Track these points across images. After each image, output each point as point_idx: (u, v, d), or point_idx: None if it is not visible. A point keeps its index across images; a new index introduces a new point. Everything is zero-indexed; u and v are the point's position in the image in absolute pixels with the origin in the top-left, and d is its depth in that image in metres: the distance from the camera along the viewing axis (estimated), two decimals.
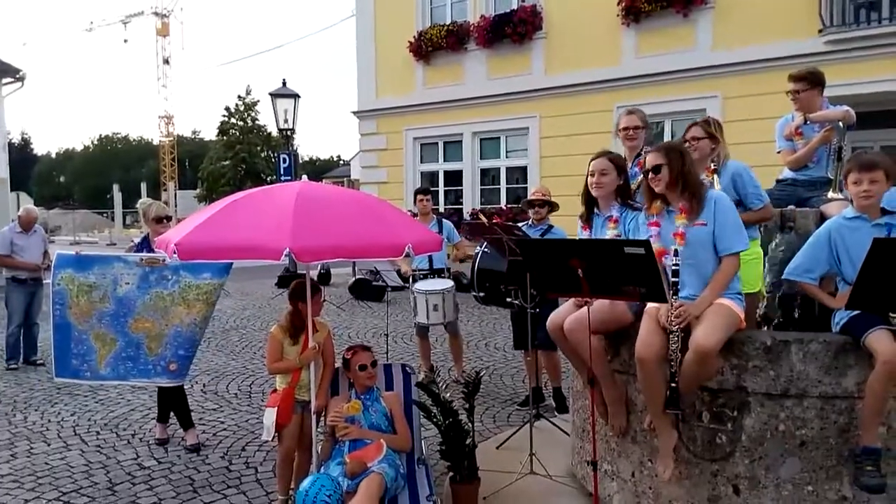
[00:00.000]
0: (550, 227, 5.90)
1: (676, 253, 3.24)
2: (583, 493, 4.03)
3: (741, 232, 3.29)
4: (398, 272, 7.84)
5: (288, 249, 3.16)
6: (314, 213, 3.47)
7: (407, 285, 7.19)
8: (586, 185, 3.89)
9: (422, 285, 6.57)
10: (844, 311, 3.11)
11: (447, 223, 7.14)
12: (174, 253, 3.32)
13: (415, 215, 6.95)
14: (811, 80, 4.70)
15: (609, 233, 3.77)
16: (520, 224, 5.83)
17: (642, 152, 4.28)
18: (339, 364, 4.25)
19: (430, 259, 6.75)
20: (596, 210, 3.93)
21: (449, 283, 6.58)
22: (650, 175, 3.36)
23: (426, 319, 6.53)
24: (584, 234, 3.93)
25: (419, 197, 7.08)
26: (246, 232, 3.41)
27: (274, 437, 4.01)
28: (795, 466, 3.11)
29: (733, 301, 3.22)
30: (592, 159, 3.88)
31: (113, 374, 4.78)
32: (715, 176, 3.92)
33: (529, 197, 6.06)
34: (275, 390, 4.14)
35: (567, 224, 5.97)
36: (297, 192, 3.61)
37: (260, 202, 3.70)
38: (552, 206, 5.92)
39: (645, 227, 3.50)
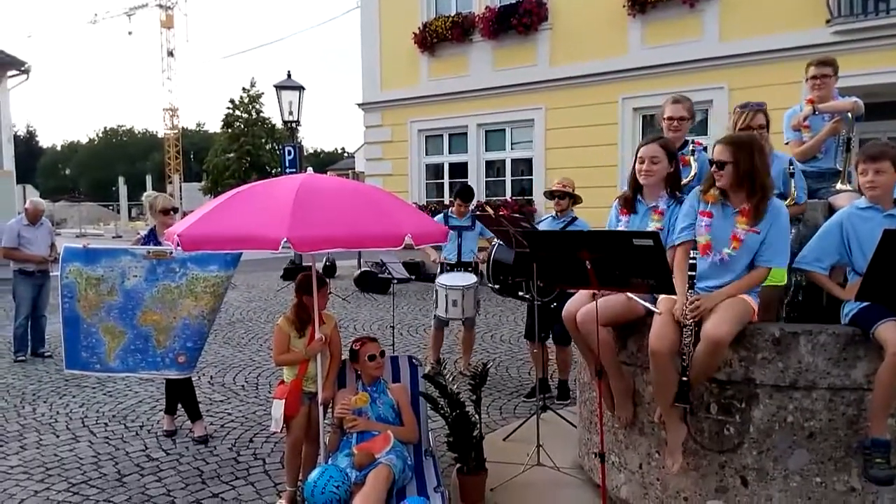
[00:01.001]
0: (574, 219, 5.82)
1: (702, 251, 3.22)
2: (590, 484, 4.03)
3: (787, 248, 3.24)
4: (409, 265, 7.79)
5: (285, 239, 3.18)
6: (314, 204, 3.47)
7: (413, 277, 7.18)
8: (633, 170, 3.69)
9: (445, 279, 6.57)
10: (854, 302, 3.09)
11: None
12: (177, 245, 3.37)
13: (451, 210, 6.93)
14: (835, 68, 4.70)
15: (652, 224, 3.58)
16: (536, 217, 5.78)
17: (689, 145, 4.12)
18: (345, 356, 4.26)
19: (459, 251, 6.74)
20: (640, 197, 3.71)
21: (472, 280, 6.55)
22: (714, 168, 3.24)
23: (445, 314, 6.54)
24: (623, 220, 3.74)
25: (458, 201, 6.91)
26: (246, 223, 3.44)
27: (282, 428, 4.02)
28: (804, 458, 3.10)
29: (749, 294, 3.21)
30: (643, 144, 3.66)
31: (122, 366, 4.80)
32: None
33: (551, 188, 5.98)
34: (282, 382, 4.15)
35: (581, 215, 5.96)
36: (299, 184, 3.62)
37: (262, 194, 3.73)
38: (575, 198, 5.86)
39: (682, 214, 3.41)
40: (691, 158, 4.02)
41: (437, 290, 6.59)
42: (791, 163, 3.99)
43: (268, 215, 3.42)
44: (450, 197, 15.32)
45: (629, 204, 3.73)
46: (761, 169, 3.20)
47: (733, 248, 3.20)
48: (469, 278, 6.58)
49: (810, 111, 4.72)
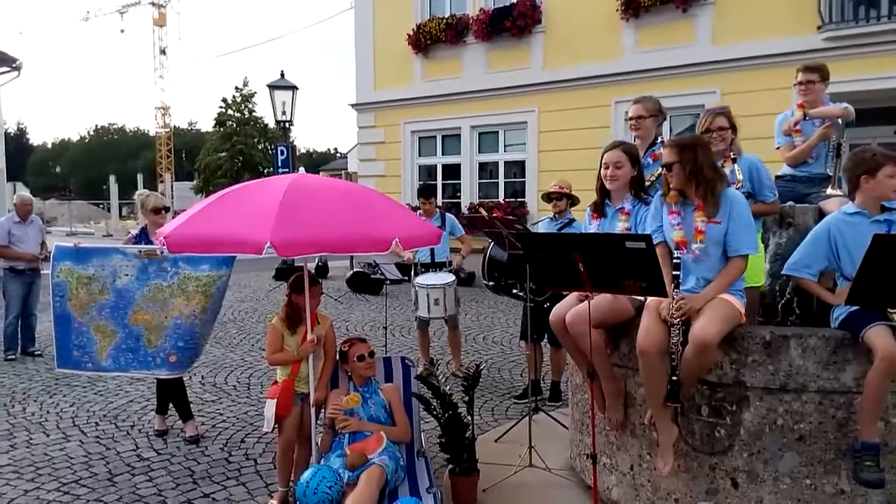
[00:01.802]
0: (571, 220, 5.85)
1: (679, 247, 3.27)
2: (581, 486, 4.05)
3: (752, 235, 3.30)
4: (396, 266, 7.80)
5: (269, 244, 3.14)
6: (301, 206, 3.43)
7: (406, 279, 7.19)
8: (599, 176, 3.84)
9: (423, 279, 6.58)
10: (843, 306, 3.12)
11: (450, 217, 7.13)
12: (164, 246, 3.39)
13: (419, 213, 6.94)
14: (824, 74, 4.73)
15: (619, 225, 3.74)
16: (529, 219, 5.82)
17: (658, 143, 4.24)
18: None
19: (433, 252, 6.75)
20: (608, 201, 3.88)
21: (450, 278, 6.58)
22: (664, 170, 3.38)
23: (427, 313, 6.54)
24: (594, 224, 3.90)
25: (421, 200, 7.03)
26: (231, 225, 3.41)
27: (274, 428, 4.02)
28: (794, 460, 3.13)
29: (734, 296, 3.24)
30: (606, 150, 3.82)
31: (114, 365, 4.78)
32: (735, 165, 3.91)
33: (548, 189, 6.02)
34: (275, 382, 4.15)
35: (579, 218, 5.98)
36: (288, 185, 3.58)
37: (251, 194, 3.71)
38: (572, 200, 5.90)
39: (650, 218, 3.52)
40: (661, 152, 4.09)
41: (416, 292, 6.58)
42: (755, 164, 4.04)
43: (253, 218, 3.38)
44: (442, 199, 15.38)
45: (598, 208, 3.91)
46: (705, 164, 3.30)
47: (700, 241, 3.28)
48: (447, 277, 6.59)
49: (801, 116, 4.76)
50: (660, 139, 4.32)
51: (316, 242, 3.34)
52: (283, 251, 3.20)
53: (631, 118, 4.39)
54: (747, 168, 3.97)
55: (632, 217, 3.74)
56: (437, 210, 7.09)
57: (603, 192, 3.88)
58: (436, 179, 15.68)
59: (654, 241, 3.39)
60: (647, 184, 4.01)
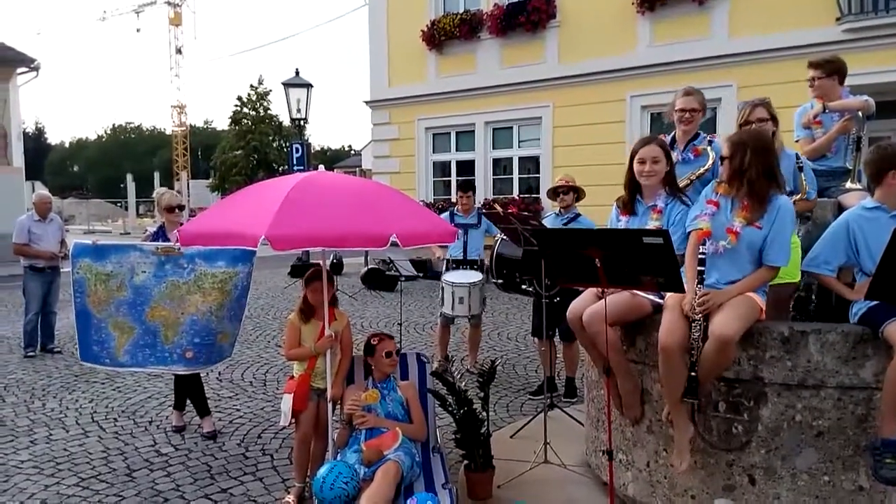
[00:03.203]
0: (577, 215, 5.83)
1: (704, 242, 3.23)
2: (597, 482, 4.04)
3: (788, 248, 3.25)
4: (418, 263, 7.81)
5: (263, 237, 3.20)
6: (302, 203, 3.46)
7: (420, 275, 7.21)
8: (630, 171, 3.69)
9: (451, 276, 6.59)
10: (863, 301, 3.08)
11: None
12: (177, 239, 3.59)
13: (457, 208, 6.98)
14: (828, 69, 4.64)
15: (651, 223, 3.59)
16: (542, 213, 5.81)
17: (701, 138, 4.11)
18: (357, 352, 4.28)
19: (465, 248, 6.75)
20: (639, 198, 3.72)
21: (478, 277, 6.57)
22: (721, 162, 3.34)
23: (451, 311, 6.55)
24: (622, 222, 3.75)
25: (459, 193, 7.04)
26: (235, 220, 3.54)
27: (291, 422, 4.05)
28: (812, 457, 3.10)
29: (756, 293, 3.21)
30: (642, 145, 3.66)
31: (132, 361, 4.83)
32: (709, 147, 3.91)
33: (554, 184, 6.00)
34: (292, 377, 4.18)
35: (587, 213, 5.96)
36: (295, 182, 3.64)
37: (262, 192, 3.82)
38: (578, 194, 5.87)
39: (697, 206, 3.45)
40: (708, 148, 4.00)
41: (443, 288, 6.61)
42: (798, 158, 3.99)
43: (255, 213, 3.47)
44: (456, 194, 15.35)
45: (628, 206, 3.75)
46: (755, 166, 3.20)
47: (729, 241, 3.23)
48: (475, 275, 6.58)
49: (820, 109, 4.70)
50: (702, 134, 4.16)
51: (310, 237, 3.38)
52: (277, 245, 3.22)
53: (683, 110, 4.07)
54: (792, 163, 3.88)
55: (664, 215, 3.60)
56: (475, 209, 7.07)
57: (633, 189, 3.72)
58: (450, 176, 15.66)
59: (693, 228, 3.35)
60: (688, 182, 3.88)
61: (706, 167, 3.92)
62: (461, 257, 6.82)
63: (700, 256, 3.20)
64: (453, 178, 15.58)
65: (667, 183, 3.66)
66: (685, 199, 3.63)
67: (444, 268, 6.86)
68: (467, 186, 7.06)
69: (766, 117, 3.90)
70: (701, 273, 3.17)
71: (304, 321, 4.12)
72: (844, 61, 4.71)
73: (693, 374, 3.12)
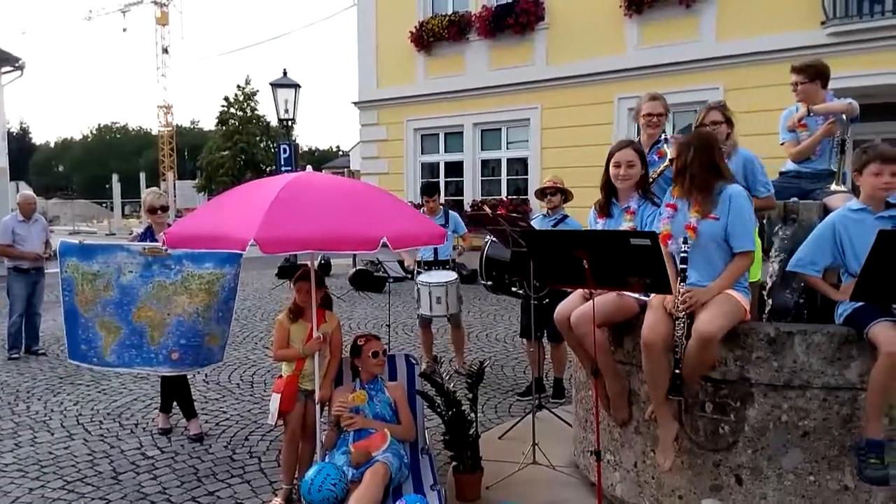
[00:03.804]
0: (565, 217, 5.85)
1: (686, 241, 3.26)
2: (585, 482, 4.05)
3: (750, 232, 3.30)
4: (400, 264, 7.81)
5: (252, 240, 3.17)
6: (291, 205, 3.43)
7: (409, 276, 7.19)
8: (606, 174, 3.79)
9: (426, 277, 6.58)
10: (848, 302, 3.11)
11: (454, 215, 7.14)
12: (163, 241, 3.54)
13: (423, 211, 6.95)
14: (810, 73, 4.68)
15: (625, 224, 3.71)
16: (530, 215, 5.83)
17: (662, 140, 4.27)
18: (344, 354, 4.27)
19: (436, 250, 6.75)
20: (614, 200, 3.83)
21: (453, 276, 6.58)
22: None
23: (429, 311, 6.54)
24: (599, 224, 3.85)
25: (424, 198, 7.04)
26: (224, 222, 3.49)
27: (278, 423, 4.04)
28: (798, 457, 3.12)
29: (739, 292, 3.24)
30: (618, 149, 3.76)
31: (118, 361, 4.79)
32: (665, 145, 4.04)
33: (541, 185, 6.01)
34: (281, 376, 4.16)
35: (574, 214, 5.97)
36: (285, 184, 3.61)
37: (250, 193, 3.78)
38: (566, 195, 5.89)
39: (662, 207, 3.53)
40: (667, 148, 4.15)
41: (419, 290, 6.60)
42: (753, 159, 4.05)
43: (244, 215, 3.43)
44: (445, 196, 15.37)
45: (604, 208, 3.85)
46: (697, 161, 3.31)
47: (690, 238, 3.28)
48: (450, 275, 6.59)
49: (805, 112, 4.74)
50: (663, 136, 4.33)
51: (299, 240, 3.34)
52: (266, 248, 3.20)
53: (650, 115, 4.33)
54: (741, 162, 3.98)
55: (637, 216, 3.71)
56: (441, 208, 7.09)
57: (609, 191, 3.83)
58: (438, 177, 15.66)
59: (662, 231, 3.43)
60: (651, 180, 4.00)
61: (665, 164, 4.08)
62: (432, 258, 6.82)
63: (682, 255, 3.23)
64: (441, 180, 15.59)
65: (639, 185, 3.77)
66: (656, 200, 3.72)
67: (415, 270, 6.84)
68: (432, 190, 7.07)
69: (720, 120, 4.04)
70: (683, 271, 3.22)
71: (293, 321, 4.11)
72: (826, 65, 4.75)
73: (677, 371, 3.13)
